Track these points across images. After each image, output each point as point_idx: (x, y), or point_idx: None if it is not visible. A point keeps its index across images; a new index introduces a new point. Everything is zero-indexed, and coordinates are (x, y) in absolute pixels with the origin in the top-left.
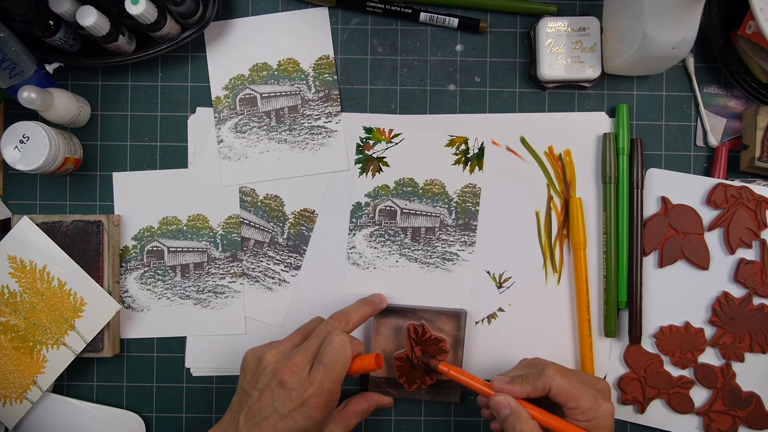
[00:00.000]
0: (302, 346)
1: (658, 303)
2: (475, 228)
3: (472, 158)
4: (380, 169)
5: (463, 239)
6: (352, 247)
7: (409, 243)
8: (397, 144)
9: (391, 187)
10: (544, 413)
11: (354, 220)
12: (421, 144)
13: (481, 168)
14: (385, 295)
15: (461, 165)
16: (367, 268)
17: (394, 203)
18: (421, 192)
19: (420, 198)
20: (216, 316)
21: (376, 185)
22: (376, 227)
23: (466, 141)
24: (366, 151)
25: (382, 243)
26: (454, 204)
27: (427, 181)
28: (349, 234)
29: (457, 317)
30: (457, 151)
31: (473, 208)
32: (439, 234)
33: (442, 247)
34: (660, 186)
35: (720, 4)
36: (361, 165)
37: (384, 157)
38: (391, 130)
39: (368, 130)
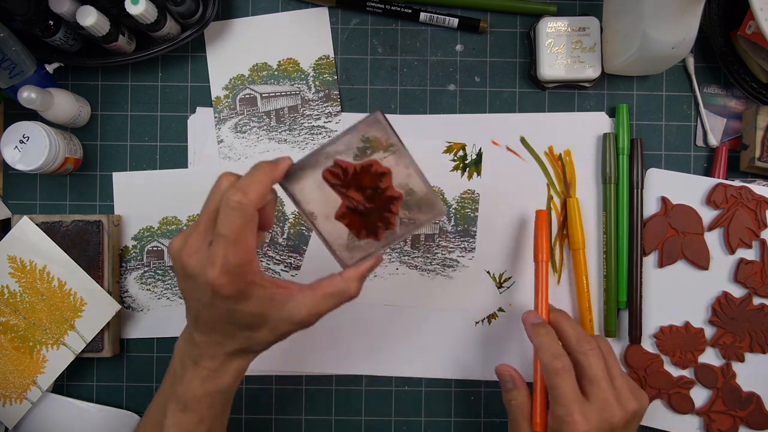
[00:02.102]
0: (195, 222)
1: (658, 303)
2: (475, 234)
3: (470, 164)
4: None
5: (462, 245)
6: None
7: (409, 250)
8: (395, 153)
9: None
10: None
11: None
12: (418, 151)
13: (479, 174)
14: (288, 156)
15: (459, 171)
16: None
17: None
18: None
19: (422, 206)
20: None
21: None
22: None
23: (463, 147)
24: None
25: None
26: (453, 210)
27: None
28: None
29: (374, 121)
30: (455, 158)
31: (472, 215)
32: (439, 241)
33: (442, 254)
34: (660, 186)
35: (720, 4)
36: None
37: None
38: (387, 138)
39: (365, 140)
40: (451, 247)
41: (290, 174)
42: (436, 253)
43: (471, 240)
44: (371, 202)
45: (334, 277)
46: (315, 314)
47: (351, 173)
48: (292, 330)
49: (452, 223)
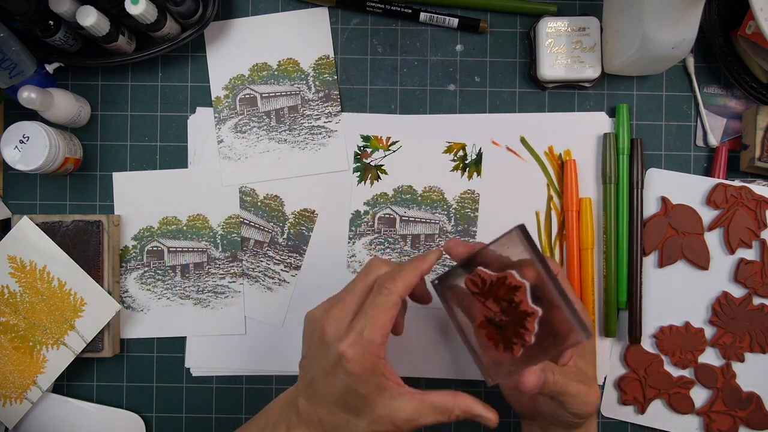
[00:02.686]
0: (339, 296)
1: (658, 303)
2: (475, 234)
3: (470, 164)
4: (378, 177)
5: None
6: (352, 256)
7: (409, 250)
8: (394, 152)
9: (390, 195)
10: None
11: (353, 228)
12: (418, 151)
13: (479, 174)
14: (437, 250)
15: (459, 171)
16: None
17: (393, 211)
18: (419, 199)
19: (419, 205)
20: (216, 316)
21: (375, 193)
22: (376, 235)
23: (464, 147)
24: (364, 159)
25: (382, 251)
26: (453, 210)
27: (425, 188)
28: (349, 243)
29: (518, 239)
30: (455, 158)
31: (472, 215)
32: (439, 241)
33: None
34: (660, 186)
35: (720, 4)
36: (359, 173)
37: (382, 165)
38: (389, 138)
39: (366, 138)
40: None
41: (445, 278)
42: None
43: (471, 240)
44: (506, 315)
45: (447, 392)
46: (414, 421)
47: (488, 283)
48: (387, 430)
49: (452, 223)
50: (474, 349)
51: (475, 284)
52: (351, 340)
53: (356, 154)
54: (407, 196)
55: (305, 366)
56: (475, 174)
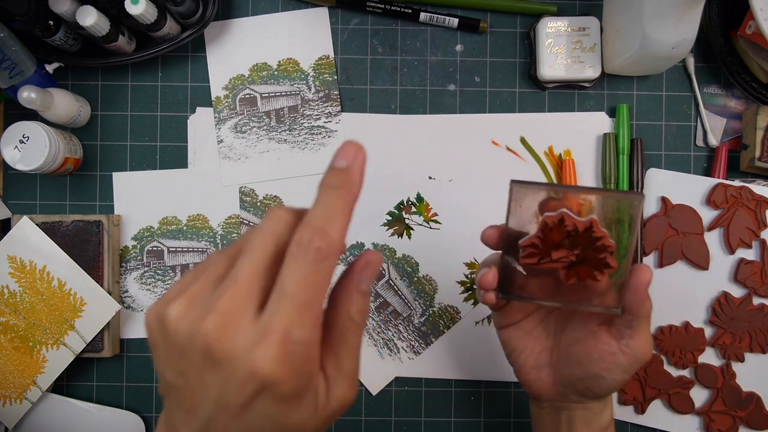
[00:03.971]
0: (230, 275)
1: (658, 303)
2: (432, 342)
3: (473, 293)
4: (401, 235)
5: (413, 345)
6: (349, 256)
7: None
8: (430, 228)
9: (398, 256)
10: None
11: (349, 256)
12: (448, 244)
13: (475, 304)
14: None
15: (463, 287)
16: None
17: (388, 271)
18: (416, 280)
19: (412, 285)
20: None
21: (388, 245)
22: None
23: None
24: (404, 213)
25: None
26: (431, 312)
27: (426, 275)
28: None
29: (515, 191)
30: (468, 277)
31: (443, 327)
32: (398, 324)
33: (393, 335)
34: (660, 186)
35: (720, 4)
36: (390, 218)
37: (413, 229)
38: (435, 214)
39: (419, 199)
40: (404, 336)
41: (503, 283)
42: (388, 329)
43: (423, 346)
44: (577, 247)
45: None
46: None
47: (539, 241)
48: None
49: (423, 319)
50: (591, 310)
51: (532, 255)
52: (274, 350)
53: (401, 204)
54: (409, 269)
55: (184, 401)
56: (471, 301)
